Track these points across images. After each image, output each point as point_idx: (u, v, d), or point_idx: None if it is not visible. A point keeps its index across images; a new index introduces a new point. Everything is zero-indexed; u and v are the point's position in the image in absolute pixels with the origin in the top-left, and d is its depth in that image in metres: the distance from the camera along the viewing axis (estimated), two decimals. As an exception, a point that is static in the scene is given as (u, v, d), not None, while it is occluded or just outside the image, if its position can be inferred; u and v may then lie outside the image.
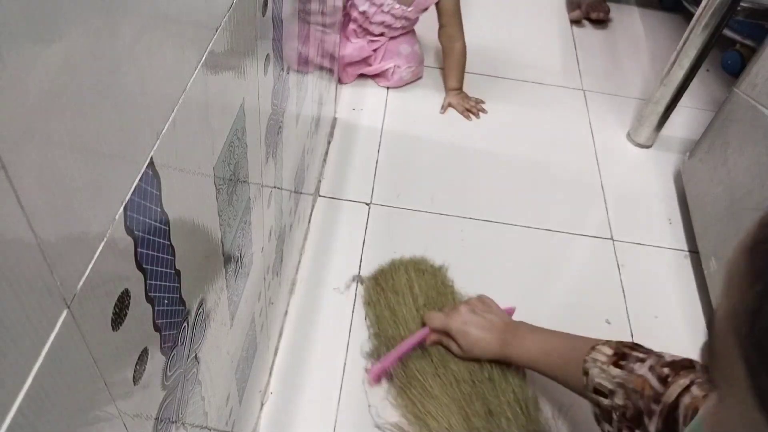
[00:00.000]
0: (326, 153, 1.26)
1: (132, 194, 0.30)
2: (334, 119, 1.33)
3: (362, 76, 1.45)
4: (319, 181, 1.20)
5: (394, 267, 1.05)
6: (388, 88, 1.45)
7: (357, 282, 1.05)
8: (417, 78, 1.47)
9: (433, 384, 0.90)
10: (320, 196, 1.19)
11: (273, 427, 0.87)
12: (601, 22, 1.78)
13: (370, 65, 1.41)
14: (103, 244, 0.27)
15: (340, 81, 1.40)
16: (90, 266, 0.27)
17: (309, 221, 1.12)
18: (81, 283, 0.26)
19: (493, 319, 0.89)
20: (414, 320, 0.97)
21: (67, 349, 0.26)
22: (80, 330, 0.27)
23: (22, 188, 0.21)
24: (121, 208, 0.29)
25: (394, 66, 1.40)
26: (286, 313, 0.98)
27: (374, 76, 1.44)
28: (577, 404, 0.89)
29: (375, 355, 0.95)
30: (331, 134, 1.30)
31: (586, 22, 1.79)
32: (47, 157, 0.22)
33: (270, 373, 0.91)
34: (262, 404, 0.88)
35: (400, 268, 1.04)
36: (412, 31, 1.43)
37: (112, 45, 0.26)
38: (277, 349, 0.94)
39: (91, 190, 0.26)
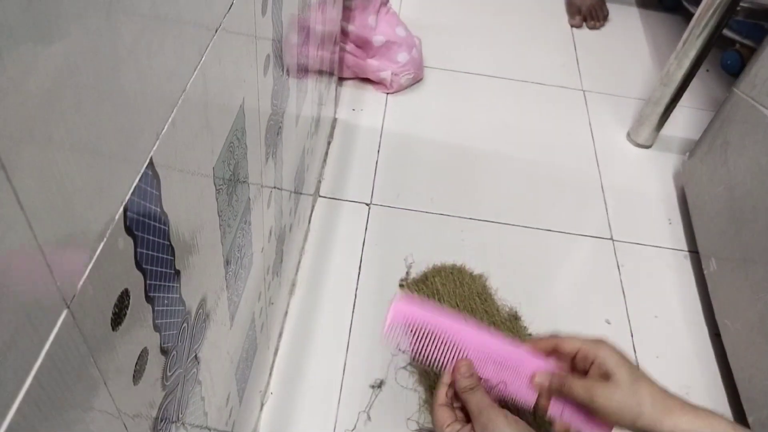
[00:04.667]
0: (326, 153, 1.26)
1: (132, 194, 0.30)
2: (334, 119, 1.33)
3: (362, 79, 1.45)
4: (319, 182, 1.20)
5: (434, 273, 1.05)
6: (387, 93, 1.44)
7: (400, 286, 1.05)
8: (417, 81, 1.47)
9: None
10: (320, 196, 1.19)
11: (273, 427, 0.87)
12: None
13: (369, 56, 1.39)
14: (103, 244, 0.28)
15: (339, 71, 1.38)
16: (90, 266, 0.27)
17: (309, 221, 1.12)
18: (81, 283, 0.26)
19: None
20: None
21: (67, 349, 0.26)
22: (80, 330, 0.27)
23: (22, 188, 0.21)
24: (121, 208, 0.29)
25: (392, 74, 1.40)
26: (286, 313, 0.98)
27: (374, 83, 1.44)
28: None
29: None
30: (331, 134, 1.30)
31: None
32: (47, 157, 0.22)
33: (270, 373, 0.91)
34: (262, 404, 0.88)
35: (440, 274, 1.05)
36: (411, 39, 1.42)
37: (112, 45, 0.26)
38: (277, 349, 0.94)
39: (91, 190, 0.26)
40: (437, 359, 0.59)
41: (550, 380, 0.58)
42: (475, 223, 1.18)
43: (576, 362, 0.58)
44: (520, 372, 0.59)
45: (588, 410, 0.55)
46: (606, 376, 0.54)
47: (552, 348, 0.59)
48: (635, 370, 0.55)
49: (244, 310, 0.63)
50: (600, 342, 0.57)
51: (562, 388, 0.56)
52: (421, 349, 0.59)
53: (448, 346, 0.60)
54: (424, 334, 0.59)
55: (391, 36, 1.37)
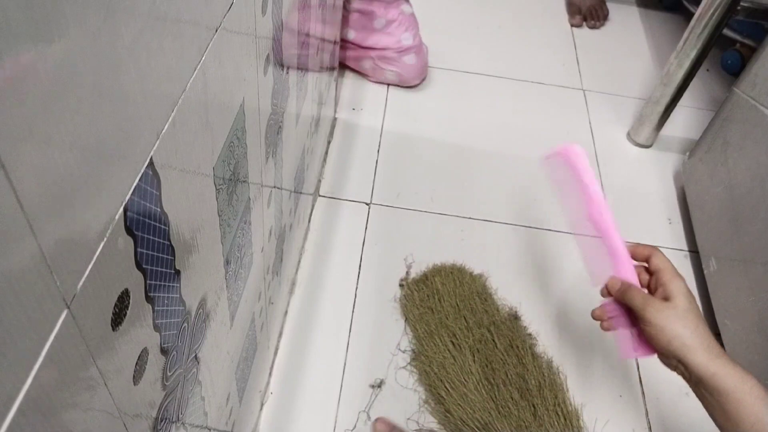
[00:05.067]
0: (326, 153, 1.26)
1: (132, 194, 0.30)
2: (334, 119, 1.33)
3: (363, 75, 1.45)
4: (319, 181, 1.20)
5: (434, 273, 1.05)
6: (388, 86, 1.44)
7: (400, 285, 1.05)
8: (415, 85, 1.46)
9: (474, 390, 0.90)
10: (320, 196, 1.19)
11: (273, 427, 0.87)
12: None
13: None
14: (103, 244, 0.27)
15: (340, 62, 1.37)
16: (90, 266, 0.27)
17: (309, 221, 1.12)
18: (81, 283, 0.26)
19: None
20: (456, 325, 0.97)
21: (67, 349, 0.26)
22: (80, 330, 0.27)
23: (22, 188, 0.21)
24: (121, 208, 0.29)
25: (373, 64, 1.39)
26: (286, 313, 0.98)
27: (367, 75, 1.44)
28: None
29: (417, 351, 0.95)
30: (331, 134, 1.30)
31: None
32: (47, 157, 0.22)
33: (270, 373, 0.91)
34: (262, 404, 0.88)
35: (440, 274, 1.05)
36: (421, 48, 1.41)
37: (112, 45, 0.26)
38: (277, 349, 0.94)
39: (91, 190, 0.26)
40: (561, 201, 0.71)
41: (620, 285, 0.65)
42: (475, 223, 1.18)
43: (651, 279, 0.65)
44: (612, 263, 0.67)
45: (638, 326, 0.62)
46: (666, 299, 0.60)
47: (646, 257, 0.66)
48: (694, 307, 0.60)
49: (244, 309, 0.63)
50: (678, 274, 0.63)
51: (625, 293, 0.64)
52: (558, 186, 0.70)
53: (576, 201, 0.69)
54: (569, 179, 0.69)
55: (393, 42, 1.36)
